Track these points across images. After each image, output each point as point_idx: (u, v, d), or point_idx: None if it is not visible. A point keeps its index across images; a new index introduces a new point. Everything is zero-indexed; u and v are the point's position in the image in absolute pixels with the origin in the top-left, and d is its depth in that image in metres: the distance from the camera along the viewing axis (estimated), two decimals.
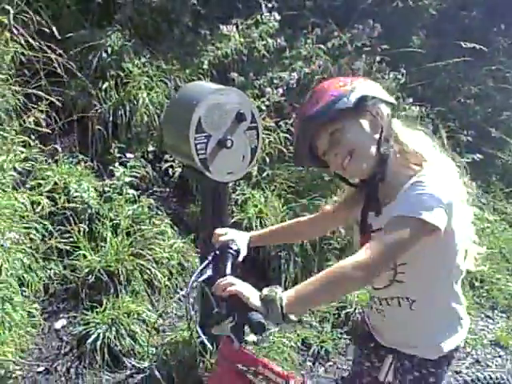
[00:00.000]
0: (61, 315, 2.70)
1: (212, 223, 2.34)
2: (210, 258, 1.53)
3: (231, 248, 1.55)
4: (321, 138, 1.41)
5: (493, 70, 4.88)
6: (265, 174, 3.45)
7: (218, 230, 1.64)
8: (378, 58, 4.17)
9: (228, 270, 1.45)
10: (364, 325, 1.73)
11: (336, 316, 3.17)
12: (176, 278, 2.95)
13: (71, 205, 2.82)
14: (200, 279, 1.47)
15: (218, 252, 1.55)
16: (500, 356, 3.32)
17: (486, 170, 4.47)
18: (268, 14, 3.95)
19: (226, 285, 1.30)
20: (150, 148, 3.33)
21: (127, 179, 3.02)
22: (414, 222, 1.26)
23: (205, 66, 3.75)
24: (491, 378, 2.01)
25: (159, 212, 3.11)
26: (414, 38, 4.90)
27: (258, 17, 3.96)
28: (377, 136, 1.39)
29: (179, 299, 2.93)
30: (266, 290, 1.28)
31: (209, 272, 1.49)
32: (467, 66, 4.65)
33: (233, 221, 3.13)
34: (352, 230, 1.61)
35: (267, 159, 3.45)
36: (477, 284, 3.80)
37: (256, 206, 3.27)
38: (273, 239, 1.93)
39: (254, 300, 1.26)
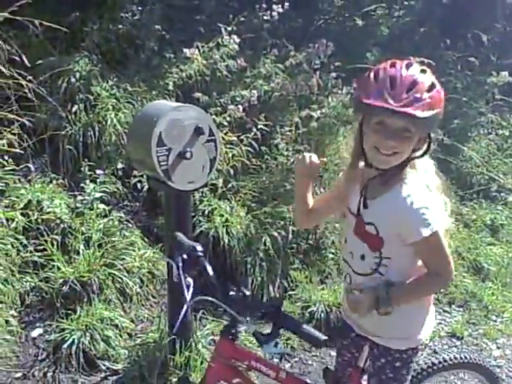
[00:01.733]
0: (37, 324, 2.83)
1: (176, 230, 2.53)
2: (179, 264, 1.57)
3: (197, 250, 1.61)
4: (395, 123, 1.45)
5: (443, 82, 5.18)
6: (230, 186, 3.65)
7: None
8: (334, 75, 4.47)
9: (210, 272, 1.55)
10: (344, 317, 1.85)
11: (301, 315, 3.36)
12: (147, 285, 3.12)
13: (45, 220, 2.99)
14: (189, 294, 1.51)
15: (185, 256, 1.60)
16: (456, 346, 3.54)
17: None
18: (228, 37, 4.22)
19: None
20: (120, 165, 3.51)
21: (97, 195, 3.20)
22: (434, 238, 1.51)
23: (170, 87, 3.98)
24: (445, 360, 2.09)
25: (129, 225, 3.29)
26: (368, 54, 5.22)
27: (219, 40, 4.23)
28: (418, 147, 1.54)
29: (150, 305, 3.10)
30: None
31: (189, 280, 1.54)
32: None
33: (200, 230, 3.33)
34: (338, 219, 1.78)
35: (231, 171, 3.67)
36: None
37: (222, 216, 3.46)
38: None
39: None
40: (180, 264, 1.56)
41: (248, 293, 1.55)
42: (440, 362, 2.10)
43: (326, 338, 1.42)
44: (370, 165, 1.56)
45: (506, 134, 5.37)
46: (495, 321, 3.91)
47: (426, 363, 2.11)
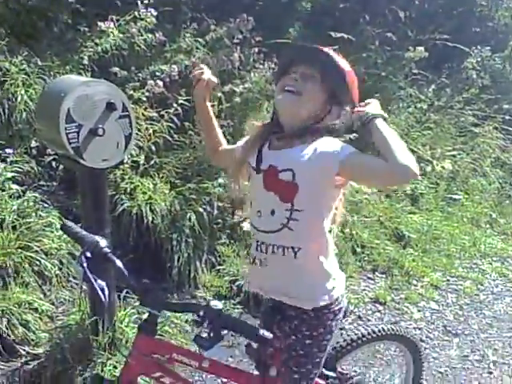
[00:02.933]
0: None
1: (93, 209, 2.45)
2: (84, 264, 1.43)
3: (101, 246, 1.48)
4: (306, 68, 1.59)
5: (363, 57, 5.32)
6: (152, 162, 3.57)
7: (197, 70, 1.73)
8: (256, 50, 4.45)
9: (125, 272, 1.45)
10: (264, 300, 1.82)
11: (229, 289, 3.36)
12: (67, 267, 3.00)
13: None
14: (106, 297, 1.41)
15: (88, 254, 1.46)
16: (379, 311, 3.68)
17: (362, 147, 4.87)
18: (144, 10, 4.08)
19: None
20: (33, 144, 3.33)
21: (9, 175, 3.02)
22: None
23: (85, 62, 3.79)
24: (374, 331, 2.11)
25: (45, 205, 3.13)
26: (291, 29, 5.24)
27: (136, 13, 4.09)
28: (321, 111, 1.60)
29: (71, 286, 2.99)
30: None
31: (101, 282, 1.43)
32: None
33: (122, 208, 3.23)
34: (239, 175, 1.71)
35: (153, 148, 3.58)
36: (358, 250, 4.16)
37: (145, 193, 3.37)
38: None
39: None
40: (85, 264, 1.43)
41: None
42: (369, 334, 2.12)
43: (270, 334, 1.34)
44: (274, 121, 1.67)
45: (424, 107, 5.59)
46: (416, 285, 4.10)
47: (355, 334, 2.12)
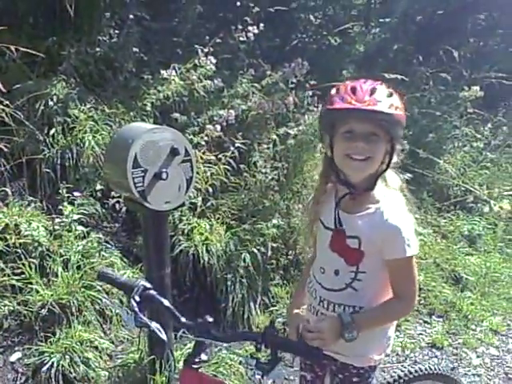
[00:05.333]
0: (16, 348, 2.82)
1: (154, 250, 2.57)
2: (135, 308, 1.47)
3: (147, 288, 1.52)
4: (363, 127, 1.52)
5: (417, 97, 5.33)
6: (209, 204, 3.69)
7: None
8: (310, 93, 4.56)
9: (168, 304, 1.49)
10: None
11: (282, 330, 3.36)
12: (127, 306, 3.10)
13: (22, 243, 2.98)
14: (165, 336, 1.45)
15: (137, 298, 1.50)
16: (436, 356, 3.58)
17: (418, 187, 4.83)
18: (204, 58, 4.29)
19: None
20: (98, 187, 3.52)
21: (76, 216, 3.21)
22: (409, 260, 1.58)
23: (148, 108, 4.02)
24: (410, 372, 2.10)
25: (108, 246, 3.30)
26: (344, 72, 5.33)
27: (196, 61, 4.30)
28: (385, 159, 1.59)
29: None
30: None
31: (155, 324, 1.46)
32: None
33: (179, 249, 3.35)
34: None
35: (210, 190, 3.70)
36: None
37: (202, 234, 3.48)
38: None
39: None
40: (136, 309, 1.47)
41: (211, 319, 1.49)
42: (405, 375, 2.11)
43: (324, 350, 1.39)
44: (342, 181, 1.62)
45: (480, 146, 5.50)
46: (474, 330, 3.97)
47: (392, 376, 2.12)
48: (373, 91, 1.51)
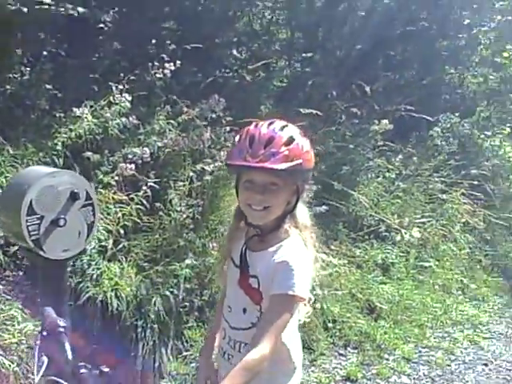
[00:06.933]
0: None
1: (53, 301, 2.49)
2: (37, 341, 1.48)
3: (60, 326, 1.51)
4: (262, 178, 1.54)
5: (333, 131, 5.54)
6: (121, 246, 3.64)
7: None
8: (227, 129, 4.63)
9: (69, 355, 1.42)
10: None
11: (195, 376, 3.36)
12: (26, 363, 2.96)
13: None
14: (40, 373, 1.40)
15: (45, 333, 1.49)
16: None
17: (333, 219, 5.00)
18: (119, 95, 4.27)
19: None
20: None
21: None
22: (289, 298, 1.51)
23: (58, 148, 3.93)
24: None
25: (8, 297, 3.16)
26: (262, 107, 5.46)
27: (111, 98, 4.27)
28: (291, 200, 1.60)
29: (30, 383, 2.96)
30: None
31: (44, 359, 1.42)
32: (308, 129, 5.25)
33: (87, 296, 3.26)
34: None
35: (122, 231, 3.66)
36: (330, 325, 4.18)
37: (111, 279, 3.41)
38: None
39: None
40: (38, 342, 1.48)
41: (106, 369, 1.49)
42: None
43: None
44: (249, 224, 1.65)
45: (392, 176, 5.76)
46: (387, 359, 4.13)
47: None
48: (269, 142, 1.52)
